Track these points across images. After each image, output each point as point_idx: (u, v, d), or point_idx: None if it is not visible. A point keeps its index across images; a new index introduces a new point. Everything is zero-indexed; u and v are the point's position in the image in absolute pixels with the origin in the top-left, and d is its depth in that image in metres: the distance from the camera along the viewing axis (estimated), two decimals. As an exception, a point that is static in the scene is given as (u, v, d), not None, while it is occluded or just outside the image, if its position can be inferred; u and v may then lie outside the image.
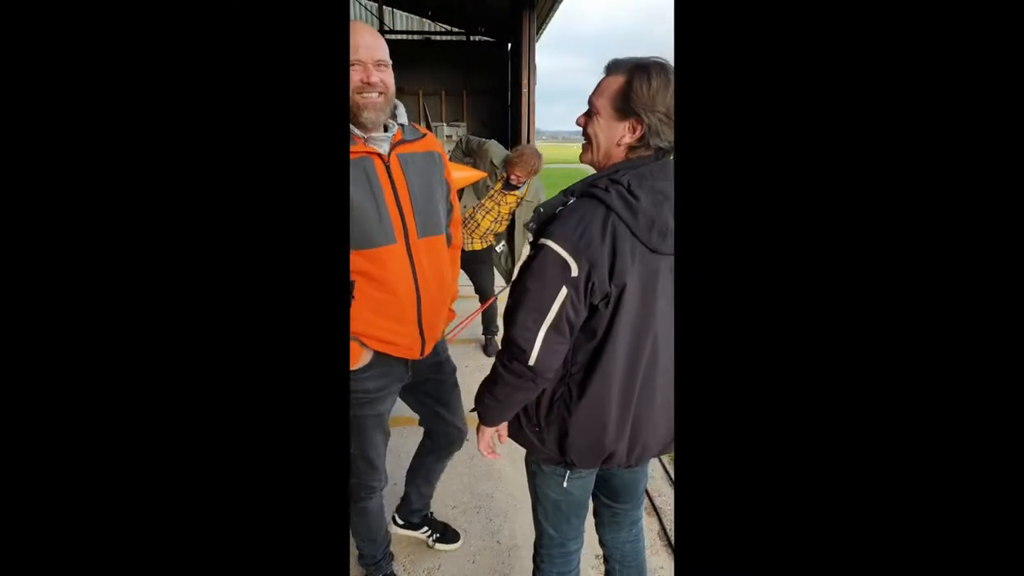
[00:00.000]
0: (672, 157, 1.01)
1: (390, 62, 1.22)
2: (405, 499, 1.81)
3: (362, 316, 1.30)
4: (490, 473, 2.24)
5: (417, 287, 1.30)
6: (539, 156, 3.05)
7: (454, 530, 1.87)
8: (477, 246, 3.29)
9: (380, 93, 1.19)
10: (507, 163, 3.06)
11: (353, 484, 1.53)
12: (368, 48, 1.17)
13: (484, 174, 3.26)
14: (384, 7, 14.58)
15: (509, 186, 3.09)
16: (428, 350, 1.41)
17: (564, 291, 0.94)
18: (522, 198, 3.17)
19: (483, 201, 3.18)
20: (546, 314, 0.95)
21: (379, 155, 1.24)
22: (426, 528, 1.84)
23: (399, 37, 15.09)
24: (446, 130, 14.07)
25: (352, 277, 1.27)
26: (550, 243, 0.95)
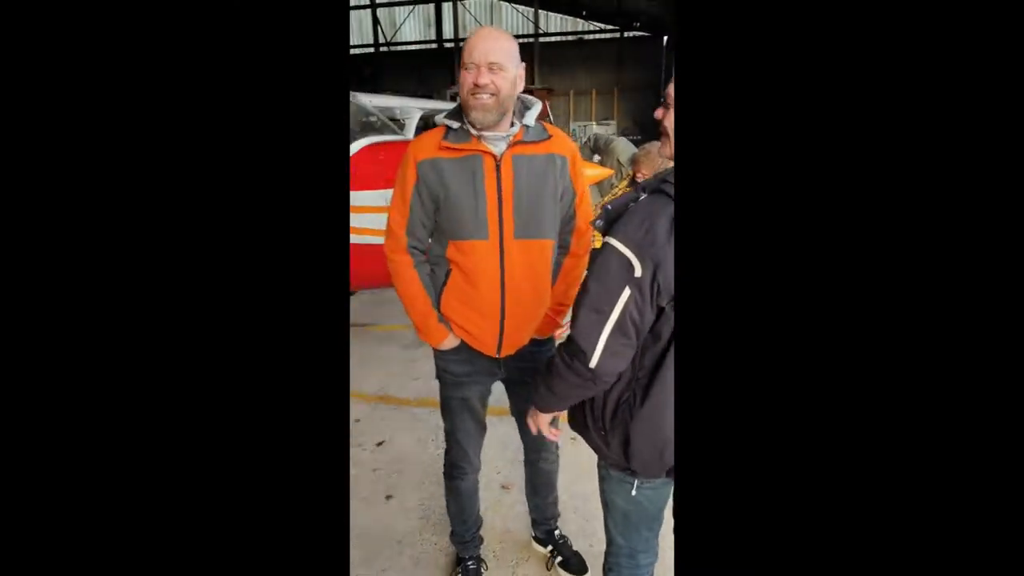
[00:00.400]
0: None
1: (509, 65, 1.20)
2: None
3: (450, 302, 1.35)
4: (591, 474, 2.20)
5: (503, 286, 1.30)
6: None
7: (582, 561, 1.72)
8: (599, 243, 3.26)
9: (491, 95, 1.20)
10: (633, 161, 2.98)
11: (447, 461, 1.61)
12: (482, 51, 1.19)
13: (612, 172, 3.21)
14: (540, 11, 14.97)
15: (635, 185, 3.01)
16: (506, 351, 1.38)
17: (627, 292, 0.90)
18: None
19: (605, 199, 3.14)
20: (608, 315, 0.92)
21: (492, 154, 1.25)
22: (551, 547, 1.75)
23: (552, 39, 15.40)
24: (595, 128, 14.02)
25: (449, 265, 1.35)
26: (613, 242, 0.91)
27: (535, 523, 1.78)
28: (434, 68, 15.12)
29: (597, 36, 14.97)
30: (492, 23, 15.69)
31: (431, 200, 1.29)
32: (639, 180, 2.97)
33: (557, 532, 1.77)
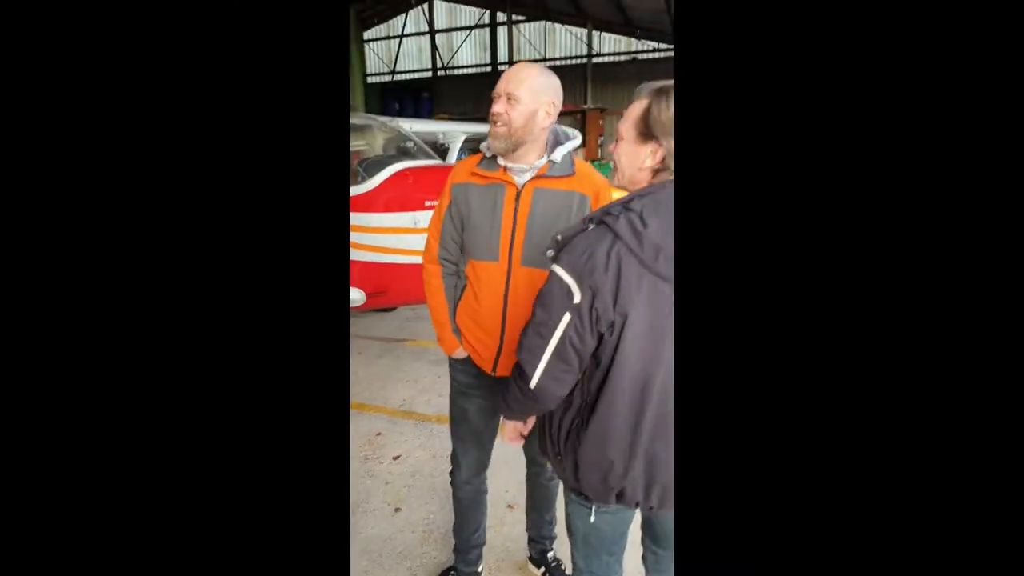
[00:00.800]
0: None
1: (528, 99, 1.25)
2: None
3: (461, 315, 1.46)
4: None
5: (505, 307, 1.38)
6: None
7: None
8: None
9: (504, 125, 1.27)
10: None
11: (452, 468, 1.68)
12: (504, 81, 1.28)
13: None
14: (593, 31, 15.10)
15: None
16: (502, 371, 1.42)
17: (567, 317, 0.94)
18: None
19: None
20: (549, 340, 0.96)
21: (515, 184, 1.33)
22: (543, 569, 1.77)
23: (605, 60, 15.47)
24: (647, 148, 13.86)
25: (466, 280, 1.46)
26: (557, 269, 0.95)
27: (531, 541, 1.80)
28: (489, 91, 15.41)
29: (650, 55, 14.90)
30: (546, 45, 15.95)
31: (459, 220, 1.41)
32: None
33: (551, 554, 1.78)
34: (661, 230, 0.90)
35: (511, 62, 16.03)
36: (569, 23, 15.49)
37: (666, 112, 0.91)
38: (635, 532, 1.25)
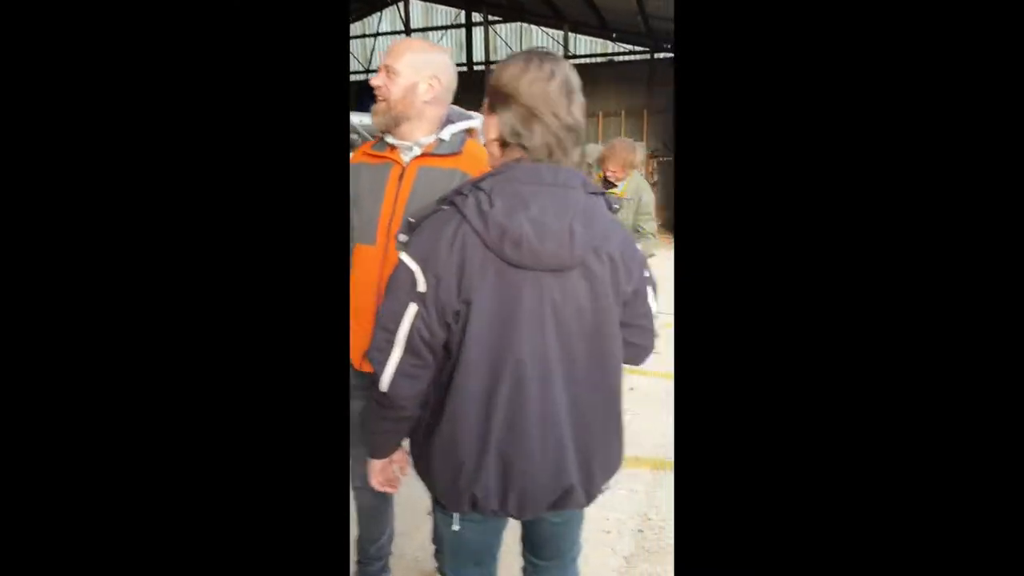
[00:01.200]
0: (546, 162, 0.86)
1: (407, 72, 1.22)
2: None
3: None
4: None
5: (379, 296, 1.26)
6: (634, 149, 2.78)
7: None
8: None
9: (382, 99, 1.25)
10: (600, 160, 2.87)
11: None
12: (386, 55, 1.26)
13: None
14: (569, 34, 15.11)
15: (607, 184, 2.86)
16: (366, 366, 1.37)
17: (413, 308, 0.85)
18: (621, 197, 2.92)
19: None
20: (395, 333, 0.87)
21: (400, 163, 1.29)
22: None
23: (582, 61, 15.50)
24: (622, 150, 13.89)
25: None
26: (402, 255, 0.87)
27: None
28: (464, 90, 15.36)
29: (626, 58, 14.95)
30: (522, 46, 15.92)
31: (352, 202, 1.34)
32: (609, 177, 2.83)
33: None
34: (507, 211, 0.81)
35: (487, 62, 15.98)
36: (545, 25, 15.48)
37: (502, 80, 0.84)
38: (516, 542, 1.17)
